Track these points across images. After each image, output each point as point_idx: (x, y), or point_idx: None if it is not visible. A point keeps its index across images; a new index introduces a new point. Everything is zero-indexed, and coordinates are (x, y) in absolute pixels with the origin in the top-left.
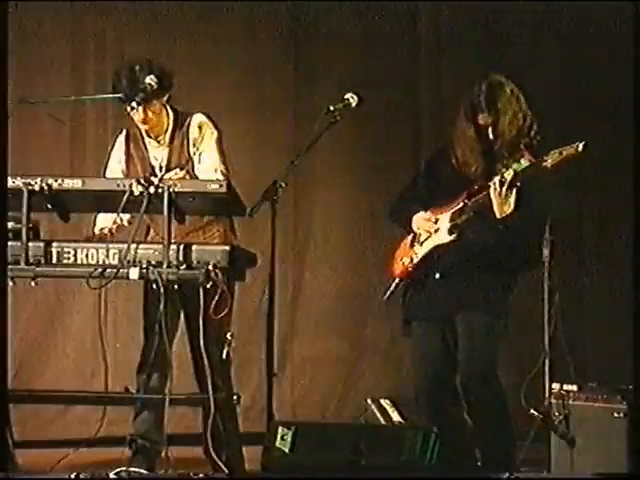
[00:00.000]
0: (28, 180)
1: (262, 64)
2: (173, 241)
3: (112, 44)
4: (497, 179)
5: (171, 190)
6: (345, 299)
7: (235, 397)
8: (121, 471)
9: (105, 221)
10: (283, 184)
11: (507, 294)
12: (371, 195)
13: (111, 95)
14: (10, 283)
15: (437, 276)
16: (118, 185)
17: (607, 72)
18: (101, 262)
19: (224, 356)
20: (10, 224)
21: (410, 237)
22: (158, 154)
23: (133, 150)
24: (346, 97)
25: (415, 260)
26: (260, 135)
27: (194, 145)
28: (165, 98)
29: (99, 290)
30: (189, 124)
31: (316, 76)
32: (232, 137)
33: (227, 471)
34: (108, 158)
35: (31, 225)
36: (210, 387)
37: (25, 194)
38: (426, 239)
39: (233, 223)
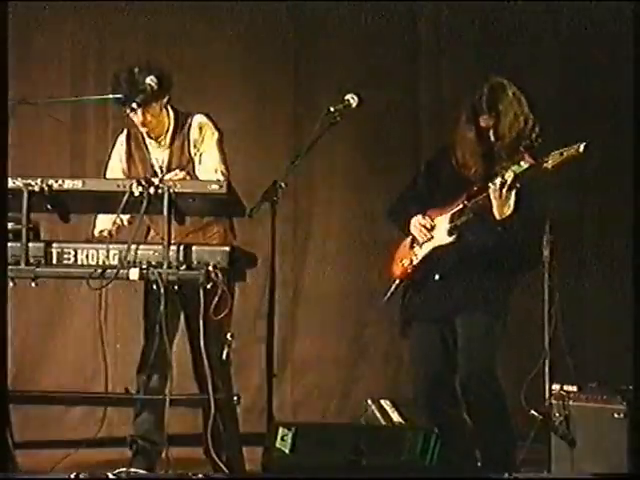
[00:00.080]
0: (28, 181)
1: (262, 64)
2: (173, 242)
3: (112, 44)
4: (497, 181)
5: (171, 191)
6: (345, 299)
7: (235, 398)
8: (121, 472)
9: (105, 223)
10: (283, 184)
11: (506, 295)
12: (371, 195)
13: (111, 96)
14: (10, 284)
15: (437, 277)
16: (118, 186)
17: (607, 72)
18: (101, 263)
19: (224, 357)
20: (10, 225)
21: (410, 238)
22: (159, 155)
23: (134, 150)
24: (346, 98)
25: (415, 261)
26: (260, 135)
27: (195, 146)
28: (165, 100)
29: (99, 291)
30: (190, 125)
31: (316, 76)
32: (232, 137)
33: (227, 471)
34: (109, 157)
35: (31, 226)
36: (210, 388)
37: (25, 195)
38: (426, 241)
39: (233, 224)
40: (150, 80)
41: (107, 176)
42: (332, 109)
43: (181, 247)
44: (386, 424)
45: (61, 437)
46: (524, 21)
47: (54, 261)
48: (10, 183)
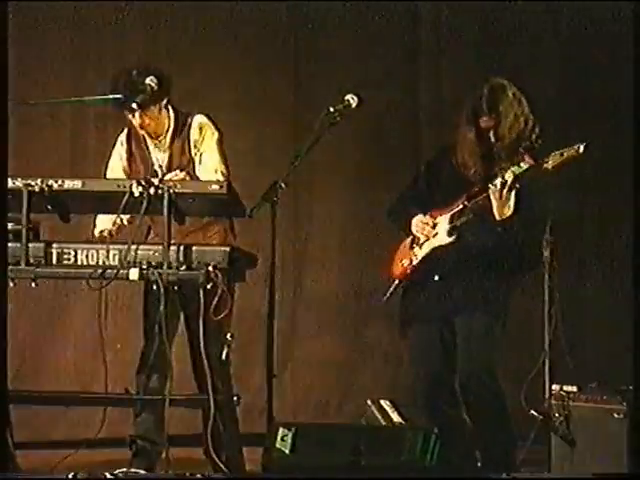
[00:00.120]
0: (28, 181)
1: (262, 64)
2: (173, 242)
3: (112, 44)
4: (497, 181)
5: (171, 191)
6: (345, 300)
7: (235, 398)
8: (120, 472)
9: (105, 223)
10: (283, 185)
11: (506, 295)
12: (371, 195)
13: (111, 96)
14: (10, 284)
15: (436, 278)
16: (118, 186)
17: (607, 72)
18: (101, 263)
19: (224, 357)
20: (10, 225)
21: (410, 239)
22: (159, 155)
23: (135, 149)
24: (346, 98)
25: (414, 262)
26: (260, 135)
27: (195, 146)
28: (165, 101)
29: (99, 291)
30: (190, 125)
31: (316, 76)
32: (232, 137)
33: (227, 471)
34: (109, 157)
35: (31, 226)
36: (210, 388)
37: (25, 195)
38: (425, 241)
39: (233, 224)
40: (150, 80)
41: (108, 176)
42: (332, 109)
43: (181, 247)
44: (386, 424)
45: (61, 437)
46: (524, 21)
47: (54, 261)
48: (10, 183)
